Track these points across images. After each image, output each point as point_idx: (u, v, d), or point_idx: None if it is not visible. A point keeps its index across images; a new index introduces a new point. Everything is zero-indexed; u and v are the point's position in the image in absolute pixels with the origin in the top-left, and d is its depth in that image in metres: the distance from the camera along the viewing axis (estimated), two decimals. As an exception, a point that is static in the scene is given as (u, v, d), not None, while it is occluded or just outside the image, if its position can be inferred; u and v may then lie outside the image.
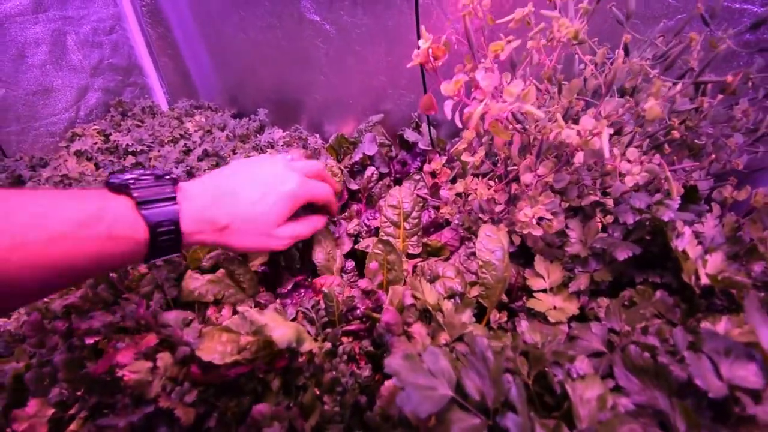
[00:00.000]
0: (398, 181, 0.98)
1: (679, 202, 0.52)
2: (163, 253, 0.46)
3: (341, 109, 1.35)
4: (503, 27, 0.50)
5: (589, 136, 0.42)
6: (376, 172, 0.93)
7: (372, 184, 0.92)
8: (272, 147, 1.21)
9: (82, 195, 0.42)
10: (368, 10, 1.10)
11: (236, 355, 0.43)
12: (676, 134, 0.50)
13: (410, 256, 0.70)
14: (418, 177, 0.90)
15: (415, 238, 0.70)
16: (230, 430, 0.47)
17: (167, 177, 0.49)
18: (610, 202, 0.59)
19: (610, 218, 0.59)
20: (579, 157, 0.44)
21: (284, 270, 0.73)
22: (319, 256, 0.70)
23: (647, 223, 0.52)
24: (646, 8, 0.77)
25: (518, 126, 0.55)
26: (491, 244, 0.54)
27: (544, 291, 0.57)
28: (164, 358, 0.44)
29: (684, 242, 0.46)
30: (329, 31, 1.21)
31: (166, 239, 0.45)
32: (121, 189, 0.45)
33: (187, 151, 1.21)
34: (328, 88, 1.33)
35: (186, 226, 0.47)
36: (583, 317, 0.55)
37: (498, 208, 0.63)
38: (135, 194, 0.44)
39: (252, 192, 0.54)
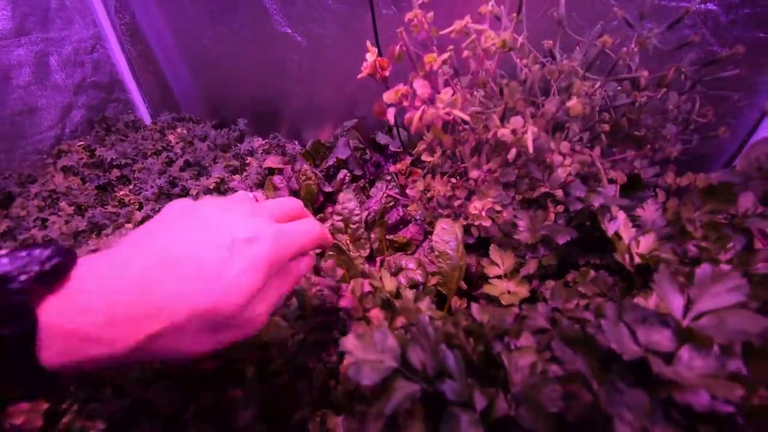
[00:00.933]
0: (372, 183, 1.03)
1: (614, 189, 0.57)
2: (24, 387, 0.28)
3: (318, 116, 1.40)
4: (449, 37, 0.55)
5: (520, 134, 0.47)
6: (348, 174, 0.98)
7: (345, 186, 0.96)
8: (252, 155, 1.25)
9: None
10: (336, 22, 1.15)
11: (209, 347, 0.47)
12: (605, 127, 0.55)
13: (375, 253, 0.74)
14: (389, 177, 0.94)
15: (363, 239, 0.74)
16: (207, 419, 0.51)
17: (35, 265, 0.28)
18: (559, 192, 0.64)
19: (560, 207, 0.64)
20: (512, 153, 0.48)
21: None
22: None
23: (587, 210, 0.57)
24: (591, 10, 0.82)
25: (466, 127, 0.60)
26: (446, 236, 0.59)
27: (499, 277, 0.61)
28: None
29: (616, 225, 0.51)
30: (300, 42, 1.25)
31: (11, 373, 0.27)
32: None
33: (170, 162, 1.24)
34: (303, 96, 1.38)
35: (52, 350, 0.27)
36: (534, 299, 0.60)
37: (457, 203, 0.68)
38: None
39: (207, 259, 0.33)
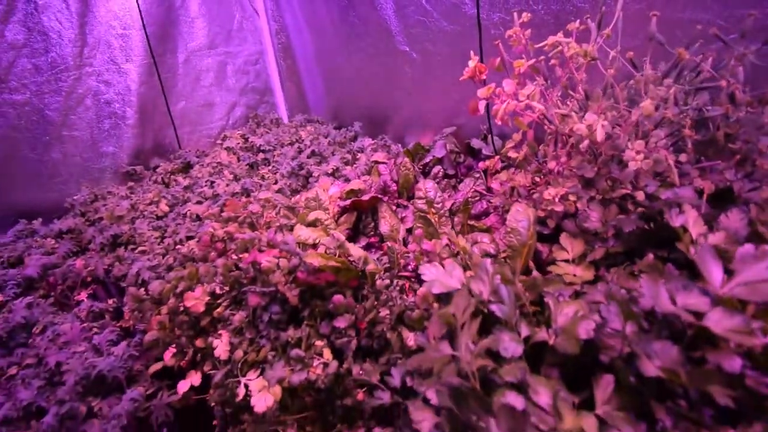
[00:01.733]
0: (462, 181, 1.15)
1: (690, 191, 0.60)
2: None
3: (422, 123, 1.58)
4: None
5: (594, 129, 0.56)
6: (442, 170, 1.12)
7: (438, 180, 1.10)
8: (362, 151, 1.48)
9: None
10: (447, 41, 1.32)
11: (327, 262, 0.65)
12: (687, 132, 0.60)
13: (458, 234, 0.86)
14: (477, 175, 1.06)
15: (444, 218, 0.86)
16: (316, 319, 0.69)
17: None
18: (640, 195, 0.68)
19: (640, 210, 0.68)
20: (584, 144, 0.57)
21: (361, 234, 0.96)
22: (384, 228, 0.91)
23: (657, 206, 0.62)
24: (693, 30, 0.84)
25: (552, 126, 0.70)
26: (519, 216, 0.69)
27: (566, 261, 0.68)
28: (283, 261, 0.68)
29: (683, 219, 0.55)
30: (416, 58, 1.45)
31: None
32: None
33: (300, 151, 1.54)
34: (411, 105, 1.58)
35: None
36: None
37: (535, 195, 0.77)
38: None
39: None
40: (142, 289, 0.87)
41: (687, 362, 0.42)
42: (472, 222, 0.90)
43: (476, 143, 1.22)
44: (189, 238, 1.10)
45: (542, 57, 0.62)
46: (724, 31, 0.82)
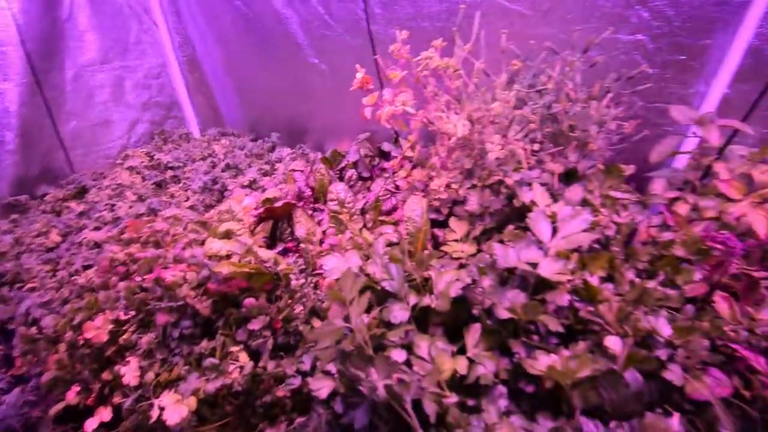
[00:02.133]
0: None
1: (537, 173, 0.74)
2: None
3: (339, 131, 1.65)
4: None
5: (457, 127, 0.67)
6: (356, 174, 1.20)
7: (352, 183, 1.18)
8: (280, 161, 1.51)
9: None
10: (351, 53, 1.41)
11: (238, 269, 0.68)
12: (533, 126, 0.74)
13: (369, 229, 0.94)
14: (386, 175, 1.15)
15: (356, 217, 0.94)
16: (231, 327, 0.71)
17: None
18: (509, 180, 0.82)
19: (506, 191, 0.82)
20: (453, 140, 0.68)
21: (279, 240, 0.99)
22: (300, 232, 0.95)
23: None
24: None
25: (431, 125, 0.81)
26: (414, 206, 0.78)
27: (456, 240, 0.79)
28: (191, 275, 0.70)
29: (531, 195, 0.69)
30: (325, 70, 1.52)
31: None
32: None
33: (214, 166, 1.51)
34: (327, 114, 1.64)
35: None
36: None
37: (428, 186, 0.87)
38: None
39: None
40: (34, 328, 0.80)
41: (529, 303, 0.53)
42: (382, 217, 0.99)
43: (387, 146, 1.32)
44: (86, 267, 1.02)
45: (420, 69, 0.72)
46: (565, 43, 1.00)
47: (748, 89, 0.87)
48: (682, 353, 0.56)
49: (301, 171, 1.28)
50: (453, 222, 0.80)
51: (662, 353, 0.52)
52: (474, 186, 0.84)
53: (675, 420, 0.39)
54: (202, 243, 0.90)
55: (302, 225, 0.95)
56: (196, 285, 0.69)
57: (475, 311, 0.55)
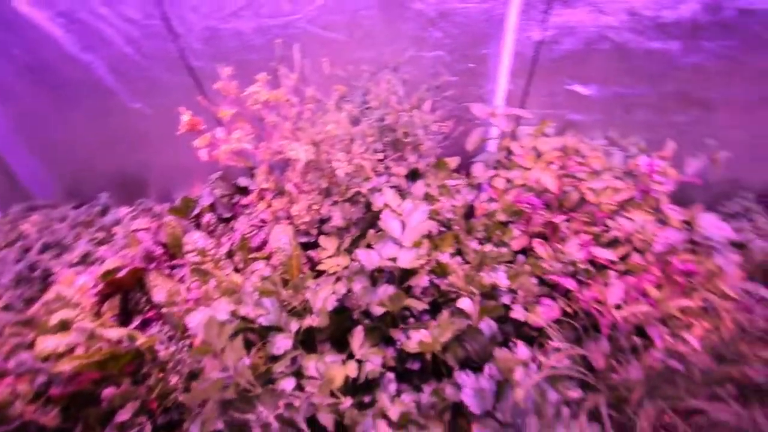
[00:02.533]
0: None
1: (385, 178, 0.83)
2: None
3: (186, 176, 1.51)
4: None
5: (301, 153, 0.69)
6: (214, 217, 1.12)
7: (212, 227, 1.10)
8: (118, 224, 1.30)
9: None
10: (178, 93, 1.32)
11: (85, 361, 0.57)
12: (370, 140, 0.82)
13: (240, 270, 0.90)
14: (249, 211, 1.11)
15: (223, 262, 0.90)
16: (94, 429, 0.59)
17: None
18: (364, 190, 0.88)
19: (364, 200, 0.88)
20: (300, 165, 0.71)
21: (134, 313, 0.86)
22: (159, 296, 0.85)
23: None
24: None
25: (279, 155, 0.82)
26: (280, 235, 0.78)
27: (330, 257, 0.82)
28: (23, 386, 0.56)
29: (383, 198, 0.76)
30: (151, 113, 1.39)
31: None
32: None
33: (26, 250, 1.22)
34: (166, 161, 1.49)
35: None
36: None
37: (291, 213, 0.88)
38: None
39: None
40: None
41: (393, 294, 0.59)
42: (253, 255, 0.95)
43: (244, 181, 1.27)
44: None
45: (250, 103, 0.72)
46: (382, 63, 1.12)
47: (521, 83, 1.12)
48: (521, 294, 0.70)
49: (147, 229, 1.13)
50: (323, 240, 0.82)
51: (506, 299, 0.64)
52: (335, 202, 0.88)
53: (520, 348, 0.48)
54: (31, 345, 0.72)
55: (160, 288, 0.85)
56: (34, 396, 0.55)
57: (355, 316, 0.58)
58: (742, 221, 1.10)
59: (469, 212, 0.95)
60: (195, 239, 0.89)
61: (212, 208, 1.22)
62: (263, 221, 1.05)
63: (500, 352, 0.50)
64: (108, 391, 0.56)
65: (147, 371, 0.63)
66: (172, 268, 0.94)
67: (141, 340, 0.61)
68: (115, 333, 0.59)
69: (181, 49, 1.21)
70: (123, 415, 0.56)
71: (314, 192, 0.81)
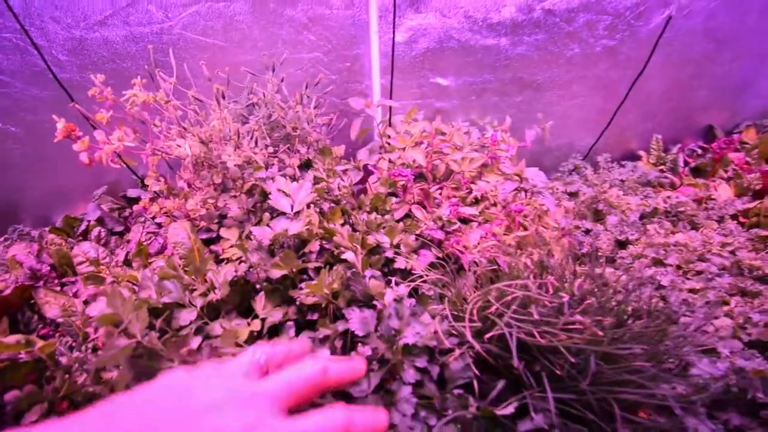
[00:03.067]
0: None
1: (275, 169, 0.91)
2: None
3: (66, 195, 1.40)
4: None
5: (185, 149, 0.75)
6: (104, 231, 1.09)
7: (104, 240, 1.07)
8: (-11, 255, 1.18)
9: None
10: (47, 107, 1.24)
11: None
12: (258, 134, 0.89)
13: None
14: (143, 219, 1.10)
15: (119, 269, 0.91)
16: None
17: None
18: (258, 180, 0.95)
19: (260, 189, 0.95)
20: (188, 160, 0.76)
21: (24, 333, 0.82)
22: (52, 312, 0.82)
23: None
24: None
25: (167, 155, 0.85)
26: (176, 232, 0.82)
27: (233, 246, 0.88)
28: None
29: (276, 185, 0.84)
30: (18, 132, 1.27)
31: None
32: None
33: None
34: (41, 183, 1.37)
35: None
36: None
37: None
38: None
39: None
40: None
41: (285, 255, 0.69)
42: (153, 259, 0.96)
43: (133, 192, 1.24)
44: None
45: (129, 106, 0.75)
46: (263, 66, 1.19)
47: (392, 78, 1.29)
48: (403, 249, 0.84)
49: (28, 252, 1.06)
50: (224, 231, 0.88)
51: (389, 253, 0.77)
52: (234, 196, 0.94)
53: (400, 287, 0.61)
54: None
55: (52, 304, 0.82)
56: None
57: (258, 286, 0.66)
58: (574, 176, 1.41)
59: (362, 192, 1.08)
60: (85, 250, 0.88)
61: (101, 223, 1.17)
62: (159, 226, 1.05)
63: (374, 282, 0.63)
64: (11, 394, 0.56)
65: (51, 375, 0.63)
66: (63, 285, 0.91)
67: (39, 344, 0.61)
68: (11, 339, 0.58)
69: (45, 61, 1.14)
70: (30, 417, 0.56)
71: (209, 187, 0.86)
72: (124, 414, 0.30)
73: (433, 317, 0.64)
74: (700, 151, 1.44)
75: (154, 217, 1.04)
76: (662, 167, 1.44)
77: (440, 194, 1.06)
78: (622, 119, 1.41)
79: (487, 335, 0.54)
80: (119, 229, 1.17)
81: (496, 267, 0.84)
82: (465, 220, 0.99)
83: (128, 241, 1.10)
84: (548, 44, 1.25)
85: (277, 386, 0.34)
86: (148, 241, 1.03)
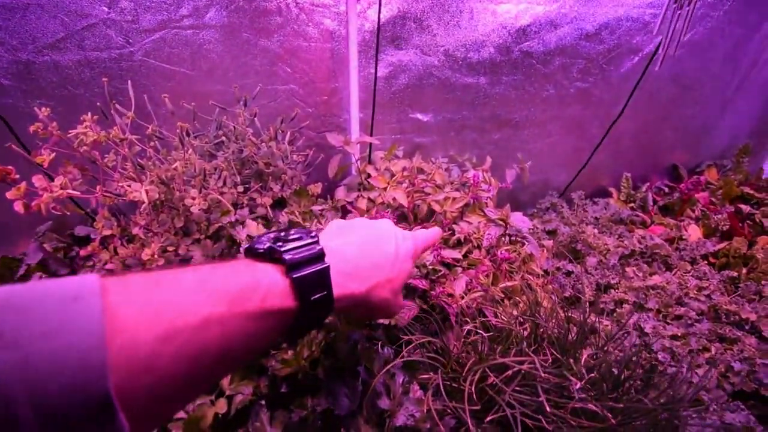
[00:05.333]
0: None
1: (245, 209, 0.84)
2: (312, 323, 0.41)
3: (5, 235, 1.24)
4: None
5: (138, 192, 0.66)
6: (46, 275, 0.95)
7: (43, 288, 0.93)
8: None
9: (231, 267, 0.36)
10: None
11: None
12: (225, 173, 0.82)
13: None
14: (91, 263, 0.98)
15: None
16: None
17: (313, 233, 0.43)
18: (225, 224, 0.86)
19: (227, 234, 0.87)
20: (145, 206, 0.67)
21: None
22: None
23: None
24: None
25: (121, 198, 0.76)
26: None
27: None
28: None
29: (245, 231, 0.76)
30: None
31: (315, 306, 0.38)
32: (270, 254, 0.39)
33: None
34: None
35: (337, 287, 0.40)
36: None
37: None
38: (286, 257, 0.37)
39: (388, 246, 0.48)
40: None
41: None
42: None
43: (82, 230, 1.11)
44: None
45: (77, 144, 0.66)
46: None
47: (372, 113, 1.25)
48: (385, 303, 0.78)
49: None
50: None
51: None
52: (197, 240, 0.85)
53: (385, 350, 0.54)
54: None
55: None
56: None
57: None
58: (551, 214, 1.41)
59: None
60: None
61: (43, 266, 1.03)
62: (112, 272, 0.93)
63: (360, 347, 0.56)
64: None
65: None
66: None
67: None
68: None
69: (-18, 84, 1.02)
70: None
71: (168, 233, 0.77)
72: (352, 225, 0.51)
73: (424, 388, 0.58)
74: (666, 190, 1.49)
75: (105, 263, 0.93)
76: (632, 204, 1.47)
77: (422, 236, 1.02)
78: (594, 157, 1.44)
79: (488, 418, 0.48)
80: (64, 272, 1.03)
81: (485, 319, 0.79)
82: (449, 265, 0.95)
83: (72, 287, 0.97)
84: (525, 84, 1.26)
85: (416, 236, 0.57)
86: (96, 289, 0.91)
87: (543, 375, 0.43)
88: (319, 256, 0.40)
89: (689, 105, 1.41)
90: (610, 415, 0.44)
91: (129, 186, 0.65)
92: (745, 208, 1.31)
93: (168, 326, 0.27)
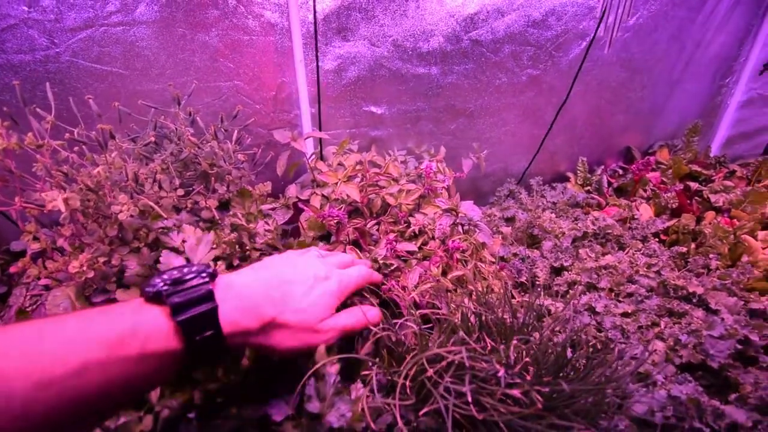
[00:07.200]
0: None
1: (183, 213, 0.80)
2: (207, 359, 0.42)
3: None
4: None
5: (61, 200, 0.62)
6: (-25, 296, 0.89)
7: (-28, 309, 0.87)
8: None
9: (114, 311, 0.38)
10: None
11: None
12: (160, 177, 0.78)
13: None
14: (28, 280, 0.92)
15: None
16: None
17: (204, 273, 0.44)
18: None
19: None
20: (65, 213, 0.63)
21: None
22: None
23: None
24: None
25: (41, 208, 0.71)
26: (59, 299, 0.67)
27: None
28: None
29: (179, 237, 0.73)
30: None
31: (204, 346, 0.40)
32: (156, 297, 0.41)
33: None
34: None
35: (228, 324, 0.42)
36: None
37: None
38: (170, 301, 0.39)
39: (300, 286, 0.51)
40: None
41: None
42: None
43: (18, 245, 1.04)
44: None
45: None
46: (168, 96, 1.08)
47: (324, 107, 1.23)
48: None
49: None
50: (120, 293, 0.74)
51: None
52: (136, 249, 0.81)
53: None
54: None
55: None
56: None
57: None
58: (510, 201, 1.43)
59: (295, 232, 0.99)
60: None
61: (-25, 285, 0.96)
62: (47, 288, 0.88)
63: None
64: None
65: None
66: None
67: None
68: None
69: None
70: None
71: (99, 243, 0.73)
72: (273, 261, 0.57)
73: (365, 383, 0.56)
74: (621, 172, 1.53)
75: (39, 278, 0.87)
76: (588, 188, 1.50)
77: (377, 230, 1.00)
78: (550, 144, 1.46)
79: (422, 411, 0.48)
80: (1, 290, 0.97)
81: (437, 310, 0.79)
82: (405, 258, 0.94)
83: (9, 306, 0.91)
84: (477, 73, 1.26)
85: (334, 258, 0.63)
86: (33, 307, 0.86)
87: (468, 364, 0.42)
88: (206, 297, 0.41)
89: (639, 88, 1.44)
90: (540, 398, 0.44)
91: (46, 195, 0.61)
92: (694, 185, 1.36)
93: (43, 374, 0.29)
